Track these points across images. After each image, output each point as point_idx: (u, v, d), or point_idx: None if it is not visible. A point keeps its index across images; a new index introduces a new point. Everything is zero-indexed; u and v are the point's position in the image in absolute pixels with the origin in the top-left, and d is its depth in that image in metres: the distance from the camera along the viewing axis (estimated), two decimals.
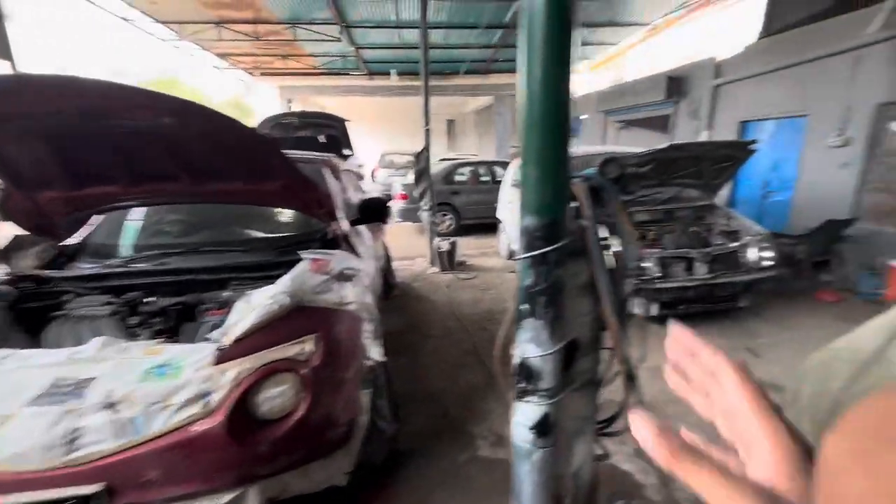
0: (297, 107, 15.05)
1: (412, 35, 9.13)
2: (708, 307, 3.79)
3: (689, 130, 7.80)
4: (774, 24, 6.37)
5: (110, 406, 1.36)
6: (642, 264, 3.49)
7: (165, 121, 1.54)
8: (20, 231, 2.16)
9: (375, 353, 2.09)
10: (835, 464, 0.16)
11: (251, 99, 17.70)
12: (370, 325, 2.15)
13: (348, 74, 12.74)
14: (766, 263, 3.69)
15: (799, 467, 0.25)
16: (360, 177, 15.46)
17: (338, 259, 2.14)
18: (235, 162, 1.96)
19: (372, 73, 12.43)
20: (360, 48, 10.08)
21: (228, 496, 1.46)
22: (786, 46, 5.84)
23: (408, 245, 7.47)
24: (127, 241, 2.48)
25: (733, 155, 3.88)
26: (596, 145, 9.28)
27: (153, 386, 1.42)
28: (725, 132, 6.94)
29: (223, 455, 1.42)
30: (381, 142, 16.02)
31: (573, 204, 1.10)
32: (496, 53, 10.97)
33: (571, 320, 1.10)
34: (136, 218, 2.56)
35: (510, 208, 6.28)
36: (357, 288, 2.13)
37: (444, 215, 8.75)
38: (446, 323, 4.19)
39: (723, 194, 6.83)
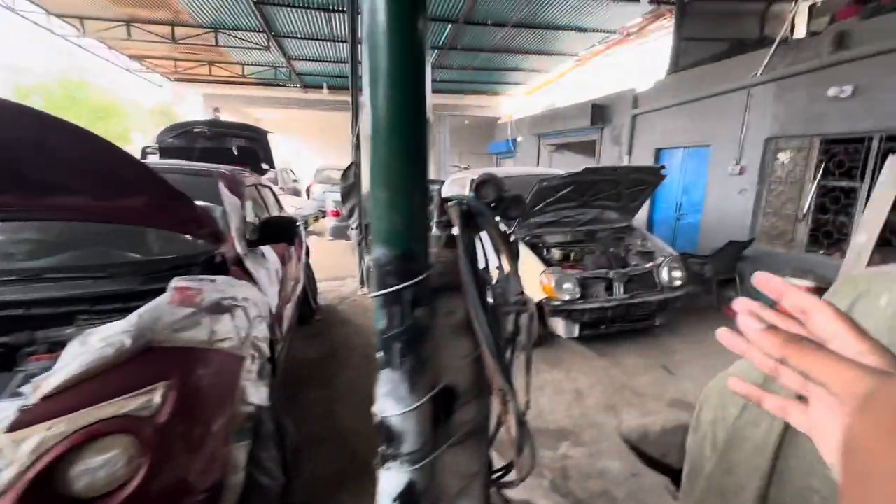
0: (224, 117, 14.18)
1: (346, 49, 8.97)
2: (627, 326, 3.88)
3: (612, 155, 8.28)
4: (681, 62, 6.99)
5: None
6: (564, 285, 3.50)
7: None
8: None
9: (258, 396, 1.80)
10: (863, 442, 0.16)
11: (182, 108, 16.39)
12: (255, 364, 1.87)
13: (282, 86, 12.23)
14: (677, 283, 3.86)
15: None
16: (296, 192, 14.78)
17: (215, 287, 1.84)
18: (78, 173, 1.63)
19: (306, 86, 12.02)
20: (293, 59, 9.71)
21: None
22: (690, 83, 6.40)
23: (339, 265, 7.12)
24: None
25: (645, 179, 4.08)
26: (529, 167, 9.58)
27: None
28: (643, 157, 7.43)
29: None
30: (320, 156, 15.49)
31: (436, 232, 0.95)
32: (433, 73, 11.09)
33: (448, 365, 0.93)
34: None
35: None
36: (238, 321, 1.84)
37: None
38: (368, 350, 3.93)
39: (641, 216, 7.29)
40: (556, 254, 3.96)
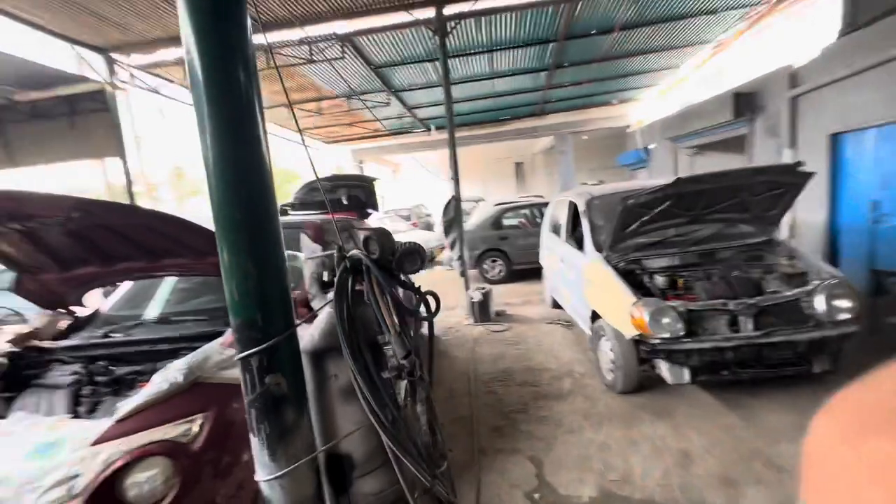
0: (367, 166, 16.41)
1: (462, 90, 9.54)
2: (768, 373, 3.00)
3: (768, 150, 6.70)
4: (860, 17, 5.33)
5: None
6: (663, 320, 2.95)
7: (73, 215, 1.74)
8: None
9: None
10: (824, 445, 0.17)
11: (336, 164, 19.95)
12: None
13: (410, 132, 13.65)
14: (843, 316, 2.85)
15: None
16: (429, 226, 15.87)
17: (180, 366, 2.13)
18: (174, 241, 2.13)
19: (429, 129, 13.16)
20: (412, 108, 10.78)
21: None
22: (878, 39, 4.82)
23: (452, 294, 7.36)
24: (122, 312, 2.80)
25: (780, 181, 3.19)
26: (652, 179, 8.46)
27: (32, 465, 1.50)
28: (813, 148, 5.80)
29: None
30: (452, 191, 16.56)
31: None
32: (547, 94, 10.88)
33: (342, 431, 0.92)
34: (132, 290, 2.90)
35: (547, 253, 5.90)
36: None
37: (494, 261, 8.54)
38: (454, 384, 3.93)
39: (818, 221, 5.65)
40: (660, 281, 3.37)
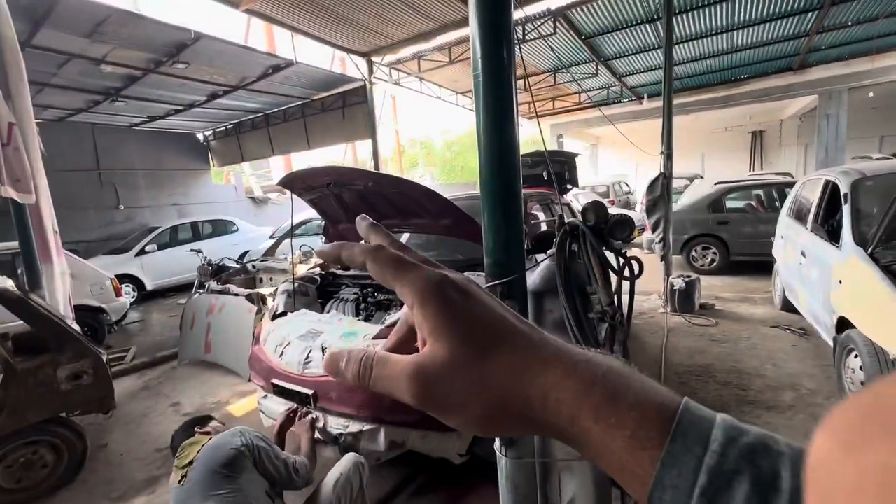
0: (567, 141, 16.10)
1: (685, 50, 8.37)
2: None
3: None
4: None
5: (323, 350, 2.37)
6: None
7: (370, 185, 2.52)
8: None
9: None
10: (826, 459, 0.16)
11: (537, 137, 20.53)
12: None
13: (617, 103, 12.69)
14: None
15: None
16: (627, 204, 14.83)
17: (480, 282, 2.64)
18: (419, 206, 2.81)
19: (641, 98, 11.93)
20: (623, 77, 10.00)
21: (368, 426, 2.22)
22: None
23: (652, 279, 6.86)
24: None
25: None
26: None
27: (343, 343, 2.36)
28: None
29: (363, 398, 2.19)
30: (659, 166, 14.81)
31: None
32: (812, 41, 8.41)
33: None
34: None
35: (783, 244, 4.86)
36: None
37: (706, 249, 7.44)
38: (640, 369, 3.83)
39: None
40: None
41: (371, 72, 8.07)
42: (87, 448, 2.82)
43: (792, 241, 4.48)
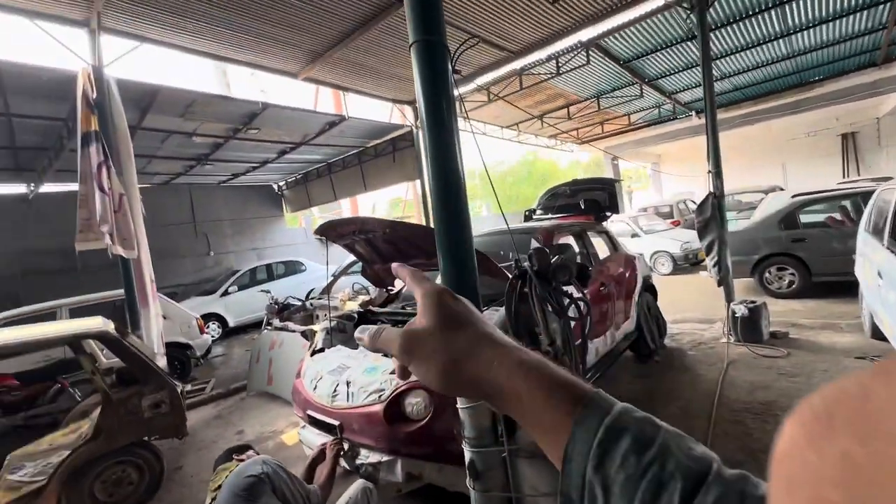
0: (622, 163, 15.61)
1: (739, 60, 7.94)
2: None
3: None
4: None
5: (348, 384, 2.60)
6: None
7: (387, 231, 2.78)
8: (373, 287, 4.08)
9: None
10: (791, 448, 0.17)
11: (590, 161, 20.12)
12: None
13: (672, 120, 12.17)
14: None
15: None
16: (692, 225, 13.81)
17: (498, 317, 2.73)
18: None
19: (698, 112, 11.32)
20: (673, 94, 9.65)
21: (387, 458, 2.37)
22: None
23: (716, 305, 6.35)
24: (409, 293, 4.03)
25: None
26: None
27: (365, 378, 2.57)
28: None
29: (382, 429, 2.36)
30: (728, 181, 13.73)
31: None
32: (894, 32, 7.55)
33: None
34: None
35: (861, 263, 4.30)
36: None
37: (782, 270, 6.71)
38: (692, 403, 3.58)
39: None
40: None
41: (416, 117, 8.66)
42: (164, 469, 3.27)
43: (869, 260, 3.97)
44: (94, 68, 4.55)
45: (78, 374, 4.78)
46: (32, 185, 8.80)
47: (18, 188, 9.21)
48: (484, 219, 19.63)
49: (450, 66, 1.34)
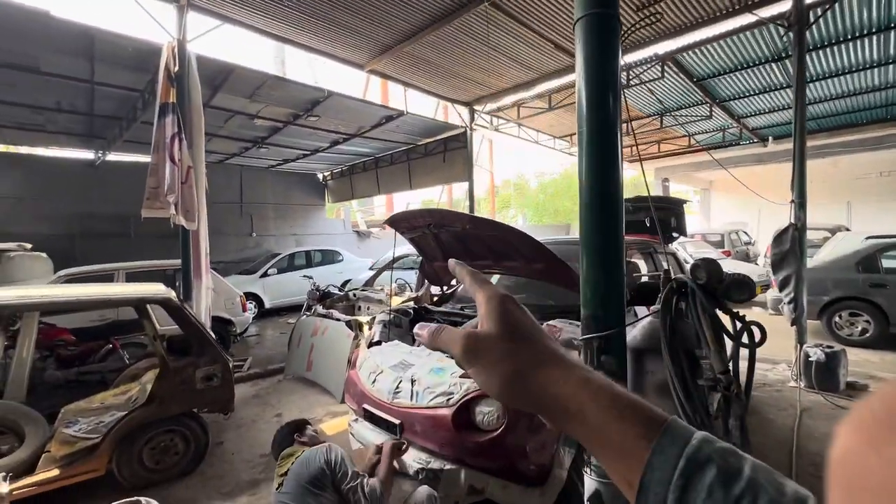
0: (673, 185, 15.03)
1: (822, 89, 7.45)
2: None
3: None
4: None
5: (412, 382, 2.47)
6: None
7: (467, 227, 2.65)
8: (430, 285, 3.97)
9: None
10: (850, 454, 0.16)
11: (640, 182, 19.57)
12: None
13: (734, 145, 11.58)
14: None
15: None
16: (746, 257, 13.20)
17: (573, 329, 2.55)
18: (513, 249, 2.86)
19: (765, 140, 10.73)
20: (742, 118, 9.16)
21: (449, 465, 2.23)
22: None
23: (779, 345, 5.90)
24: (466, 294, 3.89)
25: None
26: None
27: (431, 378, 2.44)
28: None
29: (448, 435, 2.22)
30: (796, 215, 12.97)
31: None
32: None
33: None
34: None
35: None
36: (583, 357, 2.45)
37: (855, 316, 6.18)
38: (762, 449, 3.26)
39: None
40: None
41: (472, 119, 8.57)
42: (209, 443, 3.24)
43: None
44: (178, 42, 4.67)
45: (128, 337, 4.88)
46: (101, 152, 9.22)
47: (87, 154, 9.69)
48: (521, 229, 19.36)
49: (619, 46, 1.20)
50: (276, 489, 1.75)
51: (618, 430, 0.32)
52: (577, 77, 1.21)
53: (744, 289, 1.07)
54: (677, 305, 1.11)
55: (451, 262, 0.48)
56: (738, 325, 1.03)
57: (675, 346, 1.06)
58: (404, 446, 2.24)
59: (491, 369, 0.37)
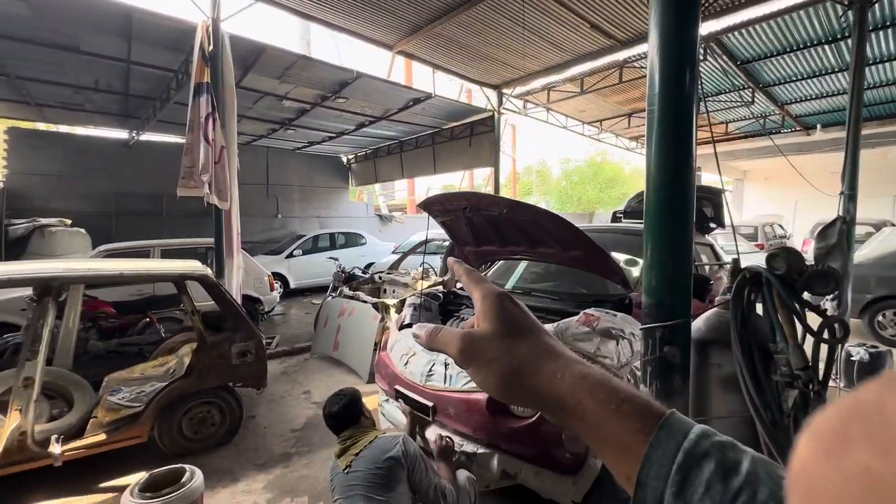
0: (704, 175, 14.48)
1: (879, 72, 6.97)
2: None
3: None
4: None
5: (446, 365, 2.47)
6: None
7: (504, 211, 2.59)
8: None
9: None
10: (808, 464, 0.16)
11: None
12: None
13: (776, 133, 11.03)
14: None
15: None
16: (760, 246, 12.63)
17: (611, 319, 2.48)
18: (549, 235, 2.79)
19: (810, 127, 10.18)
20: (786, 105, 8.68)
21: (483, 450, 2.23)
22: None
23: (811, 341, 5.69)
24: (496, 281, 3.84)
25: None
26: None
27: None
28: None
29: (482, 420, 2.21)
30: (830, 207, 12.34)
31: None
32: None
33: (715, 415, 1.15)
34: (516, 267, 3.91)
35: None
36: (623, 348, 2.38)
37: None
38: None
39: None
40: None
41: (500, 102, 8.39)
42: (243, 416, 3.35)
43: None
44: (213, 21, 4.68)
45: (163, 312, 5.05)
46: (135, 132, 9.46)
47: (122, 134, 9.95)
48: None
49: (699, 13, 1.11)
50: (344, 470, 1.64)
51: (615, 424, 0.32)
52: (650, 48, 1.14)
53: (828, 280, 0.99)
54: (748, 298, 1.04)
55: (450, 260, 0.48)
56: (820, 319, 0.97)
57: (746, 338, 1.00)
58: (455, 447, 2.19)
59: (488, 368, 0.38)
